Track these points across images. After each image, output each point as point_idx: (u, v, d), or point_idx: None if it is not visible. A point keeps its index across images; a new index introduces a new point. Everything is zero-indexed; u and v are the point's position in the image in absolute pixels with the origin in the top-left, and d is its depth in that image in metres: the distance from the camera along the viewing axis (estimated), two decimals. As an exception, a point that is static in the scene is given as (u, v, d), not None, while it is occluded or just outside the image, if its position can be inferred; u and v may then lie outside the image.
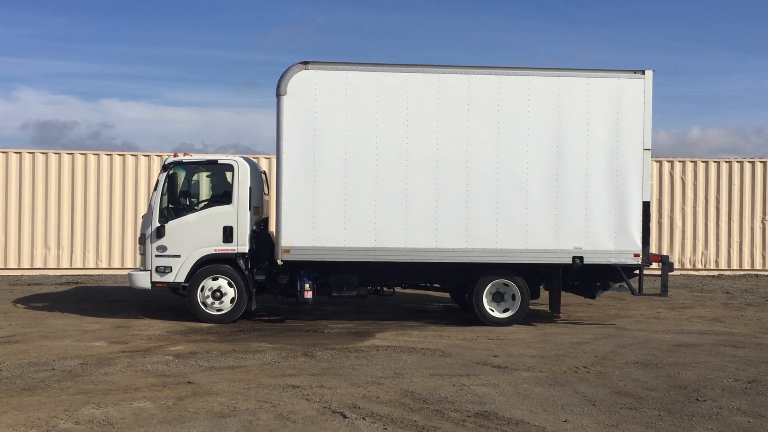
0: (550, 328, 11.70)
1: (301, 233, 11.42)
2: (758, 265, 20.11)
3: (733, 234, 20.07)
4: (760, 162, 20.19)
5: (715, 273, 20.00)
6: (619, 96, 11.63)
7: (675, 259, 19.72)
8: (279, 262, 11.84)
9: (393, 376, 8.25)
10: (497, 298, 11.90)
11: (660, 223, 19.97)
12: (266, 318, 12.49)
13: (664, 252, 19.61)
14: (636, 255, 11.60)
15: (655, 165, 19.84)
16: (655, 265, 12.28)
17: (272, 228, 12.36)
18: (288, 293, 12.05)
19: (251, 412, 6.77)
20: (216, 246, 11.74)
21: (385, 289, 12.31)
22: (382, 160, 11.48)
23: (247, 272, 11.80)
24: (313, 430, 6.34)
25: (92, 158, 18.90)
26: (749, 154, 26.92)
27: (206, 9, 50.47)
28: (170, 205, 11.86)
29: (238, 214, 11.78)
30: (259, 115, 54.59)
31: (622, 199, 11.58)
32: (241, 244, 11.76)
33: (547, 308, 12.31)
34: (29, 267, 18.49)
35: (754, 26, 47.99)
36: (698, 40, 50.11)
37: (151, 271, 11.75)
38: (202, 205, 12.21)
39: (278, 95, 11.39)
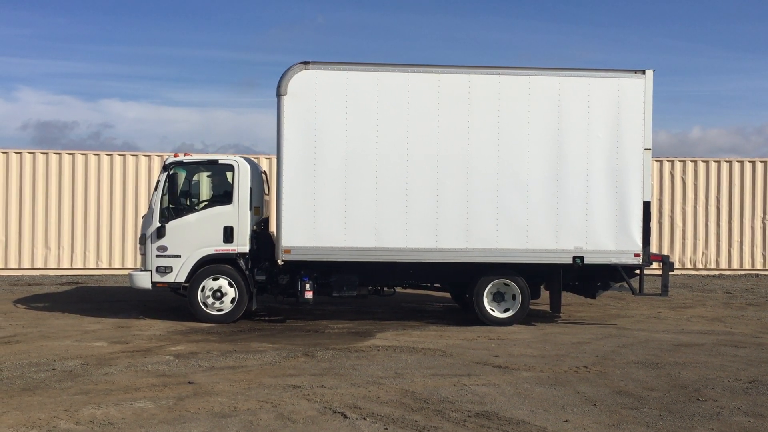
0: (550, 328, 11.70)
1: (302, 233, 11.42)
2: (759, 265, 20.11)
3: (734, 234, 20.06)
4: (761, 162, 20.18)
5: (716, 273, 19.99)
6: (619, 96, 11.62)
7: (675, 258, 19.72)
8: (279, 262, 11.84)
9: (394, 376, 8.25)
10: (498, 298, 11.89)
11: (660, 223, 19.96)
12: (267, 318, 12.49)
13: (665, 252, 19.61)
14: (636, 255, 11.59)
15: (656, 165, 19.84)
16: (655, 264, 12.29)
17: (273, 228, 12.36)
18: (288, 293, 12.05)
19: (252, 412, 6.77)
20: (216, 246, 11.74)
21: (385, 289, 12.30)
22: (382, 160, 11.47)
23: (247, 272, 11.80)
24: (314, 430, 6.34)
25: (92, 158, 18.90)
26: (749, 154, 26.98)
27: (206, 9, 50.50)
28: (171, 205, 11.86)
29: (238, 214, 11.79)
30: (260, 115, 54.63)
31: (623, 199, 11.58)
32: (242, 244, 11.76)
33: (547, 308, 12.30)
34: (30, 267, 18.50)
35: (754, 26, 48.01)
36: (698, 40, 50.14)
37: (151, 271, 11.75)
38: (202, 205, 12.21)
39: (279, 95, 11.39)
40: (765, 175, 20.10)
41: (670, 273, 12.35)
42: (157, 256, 11.73)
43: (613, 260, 11.63)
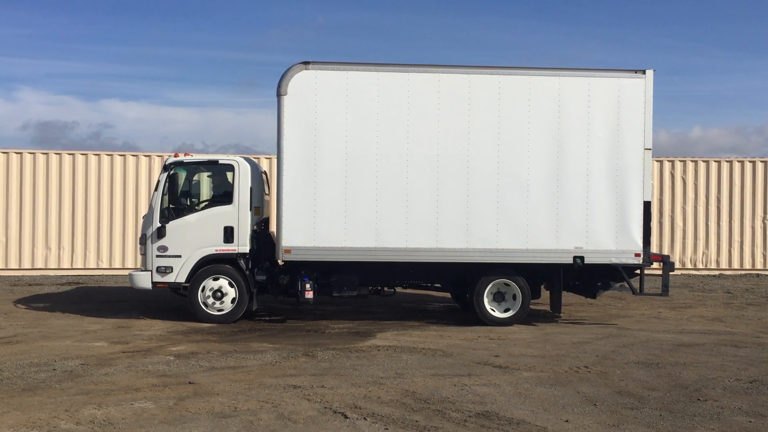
0: (551, 328, 11.70)
1: (302, 233, 11.42)
2: (759, 265, 20.11)
3: (734, 233, 20.06)
4: (761, 161, 20.18)
5: (716, 272, 19.99)
6: (619, 96, 11.62)
7: (676, 258, 19.71)
8: (280, 262, 11.84)
9: (394, 376, 8.25)
10: (498, 297, 11.89)
11: (661, 223, 19.96)
12: (267, 318, 12.49)
13: (665, 251, 19.60)
14: (637, 255, 11.59)
15: (656, 165, 19.83)
16: (656, 264, 12.28)
17: (273, 228, 12.36)
18: (289, 293, 12.05)
19: (252, 413, 6.77)
20: (217, 246, 11.74)
21: (385, 289, 12.30)
22: (382, 160, 11.47)
23: (247, 272, 11.80)
24: (314, 430, 6.34)
25: (93, 158, 18.90)
26: (750, 154, 26.96)
27: (206, 9, 50.51)
28: (171, 206, 11.86)
29: (238, 214, 11.79)
30: (260, 115, 54.63)
31: (623, 199, 11.58)
32: (242, 244, 11.76)
33: (548, 308, 12.30)
34: (30, 267, 18.50)
35: (754, 26, 48.01)
36: (699, 40, 50.13)
37: (151, 271, 11.75)
38: (202, 205, 12.21)
39: (279, 95, 11.39)
40: (765, 175, 20.09)
41: (671, 273, 12.36)
42: (157, 256, 11.73)
43: (614, 260, 11.63)
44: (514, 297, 11.85)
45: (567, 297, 12.67)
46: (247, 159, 12.44)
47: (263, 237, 12.14)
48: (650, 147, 11.69)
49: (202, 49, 50.82)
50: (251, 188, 11.89)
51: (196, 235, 11.76)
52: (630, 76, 11.66)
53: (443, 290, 12.94)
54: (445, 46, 51.15)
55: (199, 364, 8.77)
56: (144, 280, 11.78)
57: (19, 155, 18.62)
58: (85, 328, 11.30)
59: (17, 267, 18.44)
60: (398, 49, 52.60)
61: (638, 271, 11.97)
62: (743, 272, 20.01)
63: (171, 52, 50.28)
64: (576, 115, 11.58)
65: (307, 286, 11.62)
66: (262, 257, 11.96)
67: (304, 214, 11.41)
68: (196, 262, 11.71)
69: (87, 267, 18.68)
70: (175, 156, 12.13)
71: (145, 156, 19.18)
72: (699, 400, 7.42)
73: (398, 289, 12.60)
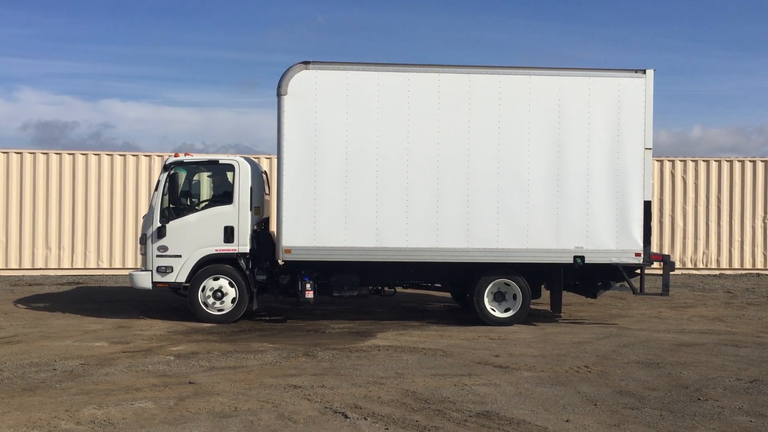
0: (551, 328, 11.69)
1: (302, 233, 11.41)
2: (759, 265, 20.10)
3: (735, 233, 20.06)
4: (761, 161, 20.17)
5: (717, 272, 19.98)
6: (620, 95, 11.61)
7: (676, 258, 19.71)
8: (280, 262, 11.84)
9: (394, 376, 8.25)
10: (498, 297, 11.89)
11: (661, 223, 19.96)
12: (267, 318, 12.49)
13: (666, 251, 19.59)
14: (637, 254, 11.59)
15: (656, 164, 19.83)
16: (656, 264, 12.27)
17: (273, 228, 12.35)
18: (289, 293, 12.05)
19: (252, 413, 6.77)
20: (217, 246, 11.74)
21: (386, 288, 12.30)
22: (383, 160, 11.47)
23: (248, 272, 11.80)
24: (315, 430, 6.34)
25: (93, 158, 18.90)
26: (750, 154, 26.95)
27: (206, 9, 50.52)
28: (171, 205, 11.86)
29: (239, 214, 11.79)
30: (260, 115, 54.65)
31: (623, 199, 11.57)
32: (242, 244, 11.76)
33: (548, 308, 12.30)
34: (30, 267, 18.50)
35: (754, 25, 48.00)
36: (699, 40, 50.12)
37: (152, 271, 11.75)
38: (203, 205, 12.21)
39: (279, 95, 11.39)
40: (765, 175, 20.09)
41: (671, 272, 12.36)
42: (157, 256, 11.73)
43: (614, 260, 11.63)
44: (515, 297, 11.85)
45: (567, 297, 12.67)
46: (247, 159, 12.43)
47: (263, 237, 12.14)
48: (651, 147, 11.68)
49: (202, 49, 50.87)
50: (251, 188, 11.89)
51: (197, 235, 11.76)
52: (630, 76, 11.65)
53: (443, 290, 12.94)
54: (445, 46, 51.18)
55: (200, 364, 8.77)
56: (144, 280, 11.78)
57: (19, 155, 18.62)
58: (85, 328, 11.30)
59: (17, 267, 18.44)
60: (398, 49, 52.63)
61: (639, 271, 11.96)
62: (743, 272, 20.01)
63: (171, 52, 50.33)
64: (576, 114, 11.58)
65: (308, 285, 11.62)
66: (263, 257, 11.96)
67: (305, 214, 11.41)
68: (197, 262, 11.71)
69: (87, 267, 18.69)
70: (176, 156, 12.13)
71: (146, 156, 19.18)
72: (699, 399, 7.42)
73: (398, 289, 12.60)
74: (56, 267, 18.56)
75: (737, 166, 20.13)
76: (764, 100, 51.01)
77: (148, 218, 11.98)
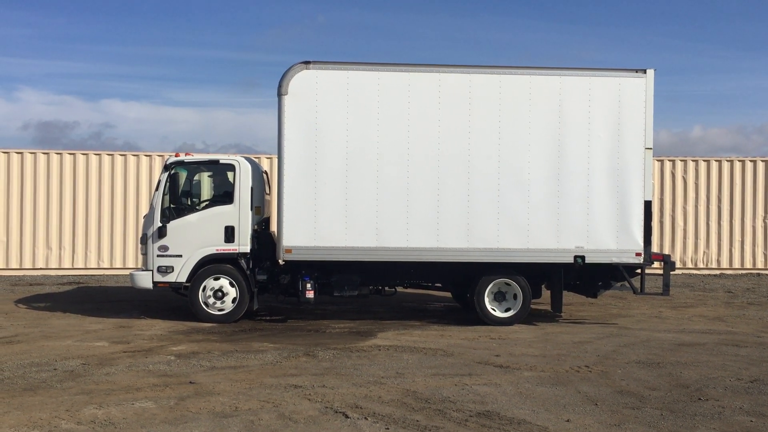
0: (551, 328, 11.69)
1: (303, 233, 11.42)
2: (760, 264, 20.11)
3: (735, 233, 20.06)
4: (762, 161, 20.17)
5: (717, 272, 19.99)
6: (620, 95, 11.61)
7: (677, 258, 19.71)
8: (280, 261, 11.84)
9: (395, 375, 8.25)
10: (499, 297, 11.89)
11: (662, 222, 19.97)
12: (268, 318, 12.49)
13: (666, 251, 19.60)
14: (638, 254, 11.59)
15: (657, 164, 19.84)
16: (656, 264, 12.26)
17: (274, 228, 12.36)
18: (289, 293, 12.05)
19: (253, 412, 6.77)
20: (217, 246, 11.74)
21: (386, 288, 12.30)
22: (383, 160, 11.47)
23: (248, 272, 11.80)
24: (315, 430, 6.34)
25: (93, 158, 18.91)
26: (750, 153, 26.95)
27: (206, 9, 50.53)
28: (172, 205, 11.86)
29: (239, 213, 11.79)
30: (260, 115, 54.68)
31: (624, 199, 11.57)
32: (243, 243, 11.76)
33: (548, 308, 12.30)
34: (31, 267, 18.51)
35: (755, 25, 48.00)
36: (699, 39, 50.12)
37: (152, 271, 11.76)
38: (203, 205, 12.21)
39: (279, 95, 11.39)
40: (766, 175, 20.09)
41: (672, 272, 12.35)
42: (158, 255, 11.73)
43: (615, 260, 11.63)
44: (515, 296, 11.85)
45: (568, 296, 12.67)
46: (247, 159, 12.43)
47: (264, 237, 12.14)
48: (651, 146, 11.68)
49: (202, 49, 50.87)
50: (252, 188, 11.89)
51: (197, 235, 11.76)
52: (631, 76, 11.65)
53: (444, 290, 12.94)
54: (445, 46, 51.20)
55: (200, 364, 8.77)
56: (145, 280, 11.78)
57: (19, 155, 18.63)
58: (86, 327, 11.30)
59: (18, 267, 18.46)
60: (398, 49, 52.65)
61: (639, 271, 11.96)
62: (744, 272, 20.02)
63: (171, 52, 50.34)
64: (577, 114, 11.58)
65: (308, 285, 11.62)
66: (263, 257, 11.96)
67: (305, 214, 11.41)
68: (197, 262, 11.72)
69: (88, 267, 18.69)
70: (176, 156, 12.13)
71: (146, 156, 19.18)
72: (700, 399, 7.42)
73: (399, 289, 12.59)
74: (57, 267, 18.57)
75: (737, 165, 20.13)
76: (764, 100, 51.04)
77: (148, 218, 11.98)
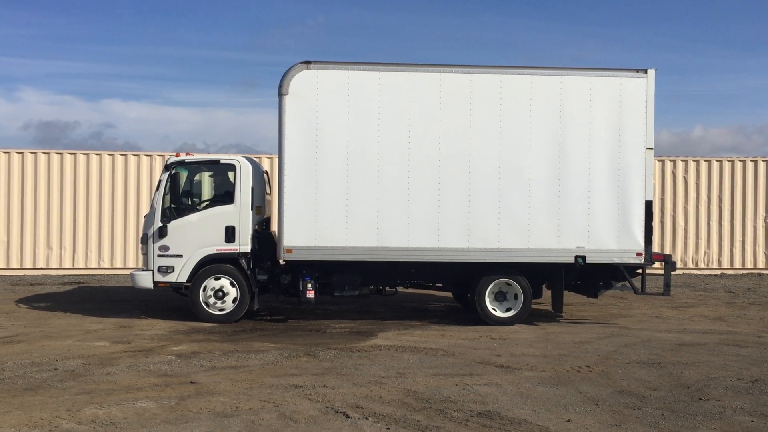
0: (552, 328, 11.69)
1: (304, 233, 11.41)
2: (761, 264, 20.10)
3: (736, 233, 20.06)
4: (763, 161, 20.17)
5: (718, 272, 19.98)
6: (621, 95, 11.61)
7: (677, 258, 19.71)
8: (281, 261, 11.84)
9: (395, 375, 8.25)
10: (499, 297, 11.89)
11: (662, 222, 19.96)
12: (268, 318, 12.49)
13: (667, 251, 19.59)
14: (638, 254, 11.58)
15: (658, 164, 19.83)
16: (657, 264, 12.25)
17: (274, 228, 12.35)
18: (290, 293, 12.05)
19: (254, 412, 6.77)
20: (218, 246, 11.74)
21: (387, 288, 12.29)
22: (384, 160, 11.47)
23: (249, 272, 11.80)
24: (316, 430, 6.33)
25: (94, 158, 18.92)
26: (751, 153, 26.88)
27: (206, 9, 50.54)
28: (172, 205, 11.86)
29: (240, 213, 11.79)
30: (261, 115, 54.71)
31: (625, 199, 11.57)
32: (244, 243, 11.76)
33: (549, 308, 12.29)
34: (32, 267, 18.51)
35: (755, 25, 48.00)
36: (700, 39, 50.11)
37: (153, 270, 11.76)
38: (204, 204, 12.21)
39: (280, 95, 11.39)
40: (766, 175, 20.09)
41: (672, 272, 12.35)
42: (158, 255, 11.73)
43: (615, 260, 11.62)
44: (516, 296, 11.84)
45: (568, 296, 12.67)
46: (248, 159, 12.43)
47: (265, 237, 12.14)
48: (652, 146, 11.68)
49: (202, 49, 50.89)
50: (252, 188, 11.89)
51: (198, 235, 11.76)
52: (631, 76, 11.65)
53: (445, 290, 12.94)
54: (446, 46, 51.20)
55: (201, 364, 8.77)
56: (145, 280, 11.78)
57: (20, 155, 18.64)
58: (86, 327, 11.30)
59: (19, 267, 18.46)
60: (399, 49, 52.65)
61: (640, 271, 11.95)
62: (745, 272, 20.01)
63: (171, 52, 50.36)
64: (577, 114, 11.57)
65: (309, 285, 11.62)
66: (264, 257, 11.96)
67: (306, 214, 11.41)
68: (198, 262, 11.72)
69: (88, 267, 18.70)
70: (177, 155, 12.13)
71: (147, 156, 19.19)
72: (701, 399, 7.41)
73: (399, 289, 12.58)
74: (57, 267, 18.58)
75: (738, 165, 20.12)
76: (765, 100, 51.05)
77: (149, 218, 11.98)
